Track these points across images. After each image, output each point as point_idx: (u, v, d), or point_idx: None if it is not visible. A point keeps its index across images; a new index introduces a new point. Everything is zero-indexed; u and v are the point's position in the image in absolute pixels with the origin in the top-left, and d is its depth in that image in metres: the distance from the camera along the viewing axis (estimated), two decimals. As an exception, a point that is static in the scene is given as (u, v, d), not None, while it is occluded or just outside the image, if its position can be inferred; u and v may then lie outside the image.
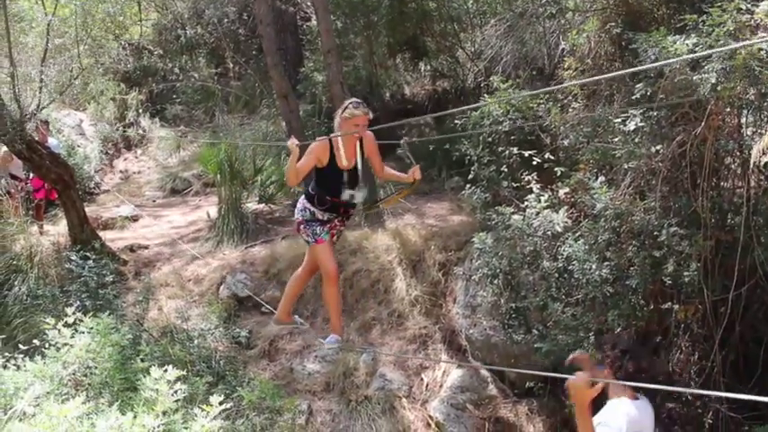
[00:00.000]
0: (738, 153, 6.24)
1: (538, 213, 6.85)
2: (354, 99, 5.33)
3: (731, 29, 5.32)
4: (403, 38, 12.89)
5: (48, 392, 4.62)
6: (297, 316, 6.44)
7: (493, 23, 10.83)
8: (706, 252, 6.07)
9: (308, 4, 15.22)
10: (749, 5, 5.36)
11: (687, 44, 5.48)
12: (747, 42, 4.96)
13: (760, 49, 5.20)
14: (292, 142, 5.18)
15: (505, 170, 7.53)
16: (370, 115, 5.23)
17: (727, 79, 5.29)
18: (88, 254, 9.03)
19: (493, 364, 7.56)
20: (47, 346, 5.45)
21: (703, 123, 5.67)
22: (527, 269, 7.04)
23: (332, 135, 5.28)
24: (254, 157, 11.76)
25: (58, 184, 9.88)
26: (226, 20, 16.59)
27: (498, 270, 7.08)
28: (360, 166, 5.34)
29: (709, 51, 5.18)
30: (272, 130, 12.77)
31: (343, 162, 5.24)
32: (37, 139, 9.97)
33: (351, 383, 7.71)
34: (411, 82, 14.86)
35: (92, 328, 5.77)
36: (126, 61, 16.43)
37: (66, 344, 5.45)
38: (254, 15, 14.82)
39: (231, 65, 17.26)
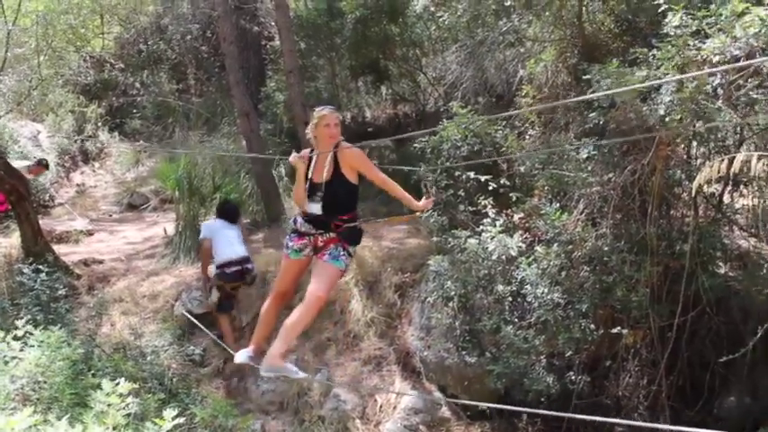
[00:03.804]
0: (687, 183, 6.44)
1: (493, 237, 6.97)
2: (317, 107, 5.07)
3: (679, 63, 5.54)
4: (365, 61, 13.02)
5: (-6, 407, 4.54)
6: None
7: (454, 50, 11.01)
8: (654, 278, 6.25)
9: (273, 23, 15.27)
10: (696, 42, 5.58)
11: (638, 77, 5.68)
12: (691, 74, 5.16)
13: (706, 84, 5.42)
14: (294, 157, 4.95)
15: (462, 194, 7.65)
16: (340, 115, 5.04)
17: (675, 111, 5.49)
18: (41, 267, 8.84)
19: (446, 386, 7.61)
20: (-6, 359, 5.35)
21: (652, 153, 5.87)
22: (481, 292, 7.15)
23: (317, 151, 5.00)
24: (214, 173, 11.71)
25: (12, 196, 9.72)
26: (189, 36, 16.55)
27: (453, 293, 7.18)
28: (331, 181, 4.90)
29: (657, 81, 5.37)
30: (233, 148, 12.74)
31: (313, 174, 4.95)
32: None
33: (304, 403, 7.68)
34: (372, 105, 14.98)
35: (42, 341, 5.67)
36: (86, 74, 16.28)
37: (14, 357, 5.36)
38: (217, 33, 14.83)
39: (193, 81, 17.18)
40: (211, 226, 8.63)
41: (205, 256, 8.57)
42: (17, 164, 11.07)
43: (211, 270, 8.49)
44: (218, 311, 8.41)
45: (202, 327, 7.77)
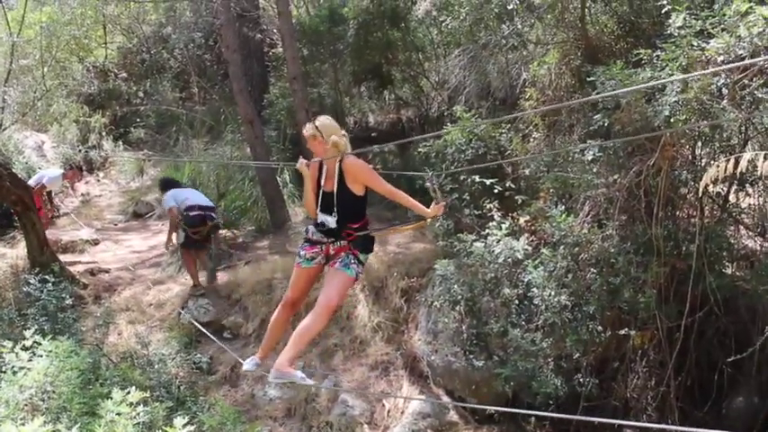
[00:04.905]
0: (692, 183, 6.44)
1: (499, 241, 6.97)
2: (319, 116, 5.04)
3: (683, 64, 5.53)
4: (368, 66, 13.02)
5: (2, 417, 4.55)
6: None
7: (457, 54, 11.02)
8: (660, 279, 6.24)
9: (275, 31, 15.30)
10: (700, 42, 5.58)
11: (643, 78, 5.68)
12: (695, 74, 5.16)
13: (710, 84, 5.42)
14: (302, 163, 4.94)
15: (467, 198, 7.65)
16: (307, 131, 4.90)
17: (680, 112, 5.48)
18: (47, 277, 8.85)
19: (454, 390, 7.61)
20: (3, 369, 5.36)
21: (658, 154, 5.86)
22: (488, 296, 7.14)
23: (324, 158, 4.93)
24: (218, 181, 11.73)
25: (18, 206, 9.73)
26: (192, 45, 16.56)
27: (460, 297, 7.18)
28: (336, 192, 4.85)
29: (663, 80, 5.37)
30: (237, 156, 12.75)
31: (325, 183, 4.92)
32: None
33: (312, 409, 7.68)
34: (376, 110, 14.96)
35: (50, 351, 5.69)
36: (90, 84, 16.30)
37: (23, 367, 5.37)
38: (220, 41, 14.85)
39: (196, 89, 17.20)
40: (173, 193, 9.35)
41: (173, 222, 9.24)
42: (51, 172, 11.09)
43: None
44: (182, 246, 9.31)
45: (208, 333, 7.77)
